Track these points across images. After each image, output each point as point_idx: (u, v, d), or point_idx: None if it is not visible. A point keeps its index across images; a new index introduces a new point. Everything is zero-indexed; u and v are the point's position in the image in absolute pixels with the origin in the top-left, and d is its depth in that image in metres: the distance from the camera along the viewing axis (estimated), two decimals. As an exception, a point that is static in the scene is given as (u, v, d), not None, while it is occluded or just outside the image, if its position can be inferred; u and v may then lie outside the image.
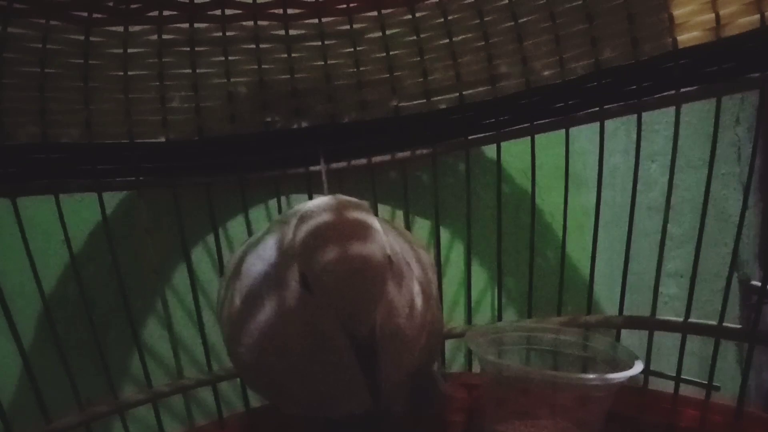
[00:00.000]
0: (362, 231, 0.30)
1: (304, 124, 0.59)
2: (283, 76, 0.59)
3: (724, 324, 0.52)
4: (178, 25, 0.55)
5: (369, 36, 0.60)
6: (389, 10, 0.59)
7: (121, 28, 0.53)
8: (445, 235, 0.67)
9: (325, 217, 0.31)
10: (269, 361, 0.34)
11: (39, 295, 0.48)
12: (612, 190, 0.70)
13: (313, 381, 0.34)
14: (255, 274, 0.35)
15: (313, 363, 0.32)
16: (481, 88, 0.59)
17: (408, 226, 0.63)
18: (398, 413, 0.43)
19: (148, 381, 0.53)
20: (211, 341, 0.56)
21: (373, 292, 0.29)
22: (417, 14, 0.59)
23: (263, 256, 0.35)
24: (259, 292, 0.34)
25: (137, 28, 0.54)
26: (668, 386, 0.54)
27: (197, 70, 0.56)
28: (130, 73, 0.54)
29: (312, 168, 0.59)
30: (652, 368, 0.54)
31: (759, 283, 0.82)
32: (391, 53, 0.60)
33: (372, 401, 0.30)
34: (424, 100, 0.60)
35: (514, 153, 0.66)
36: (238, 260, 0.38)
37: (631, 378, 0.44)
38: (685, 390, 0.53)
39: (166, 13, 0.54)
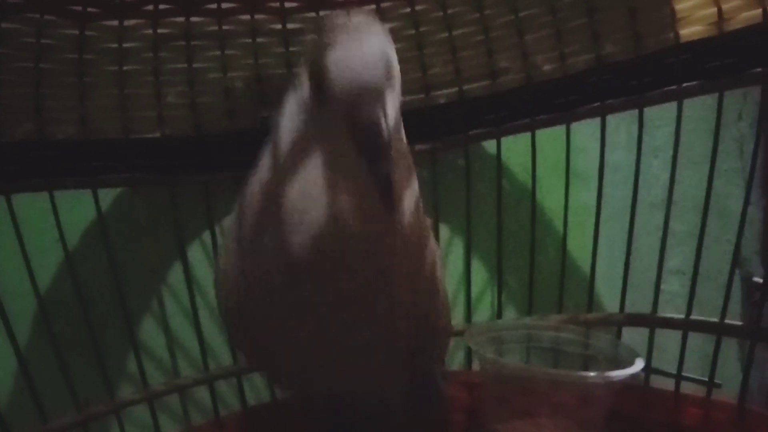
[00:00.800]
0: (367, 29, 0.32)
1: (302, 120, 0.59)
2: (281, 71, 0.58)
3: (726, 321, 0.52)
4: (173, 19, 0.54)
5: (367, 30, 0.59)
6: (387, 4, 0.58)
7: (116, 23, 0.52)
8: (444, 231, 0.67)
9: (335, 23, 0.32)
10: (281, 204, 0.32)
11: (34, 294, 0.48)
12: (613, 186, 0.69)
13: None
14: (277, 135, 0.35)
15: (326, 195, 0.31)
16: (481, 83, 0.58)
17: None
18: (400, 416, 0.43)
19: (145, 380, 0.53)
20: (208, 340, 0.56)
21: (377, 77, 0.30)
22: (416, 8, 0.58)
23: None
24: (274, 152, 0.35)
25: (132, 22, 0.53)
26: (670, 384, 0.54)
27: (193, 65, 0.55)
28: (125, 68, 0.53)
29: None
30: (653, 366, 0.54)
31: (761, 280, 0.82)
32: (389, 47, 0.59)
33: (384, 204, 0.29)
34: (423, 95, 0.59)
35: (514, 149, 0.66)
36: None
37: (633, 376, 0.44)
38: (687, 387, 0.53)
39: (161, 6, 0.53)
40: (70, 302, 0.52)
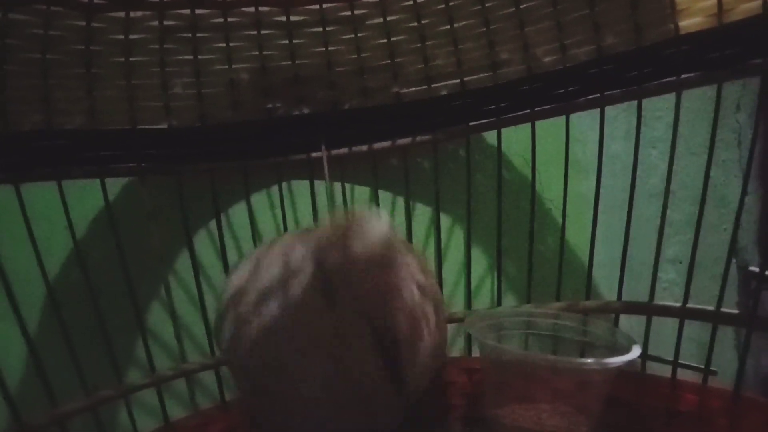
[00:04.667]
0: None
1: (305, 111, 0.59)
2: (285, 63, 0.59)
3: (722, 309, 0.52)
4: (179, 11, 0.55)
5: (370, 22, 0.59)
6: (391, -4, 0.59)
7: (122, 14, 0.53)
8: (445, 221, 0.67)
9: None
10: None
11: (43, 281, 0.48)
12: (612, 176, 0.70)
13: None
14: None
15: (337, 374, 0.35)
16: (482, 75, 0.59)
17: (409, 213, 0.64)
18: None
19: (152, 365, 0.54)
20: (214, 326, 0.56)
21: (392, 289, 0.33)
22: (418, 0, 0.59)
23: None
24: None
25: (138, 14, 0.54)
26: (666, 371, 0.54)
27: (199, 57, 0.56)
28: (132, 59, 0.54)
29: (314, 154, 0.60)
30: (650, 353, 0.54)
31: (757, 269, 0.82)
32: (392, 39, 0.60)
33: (397, 395, 0.33)
34: (426, 87, 0.60)
35: (514, 139, 0.66)
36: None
37: (630, 362, 0.44)
38: (683, 375, 0.54)
39: (167, -1, 0.54)
40: (79, 289, 0.52)
